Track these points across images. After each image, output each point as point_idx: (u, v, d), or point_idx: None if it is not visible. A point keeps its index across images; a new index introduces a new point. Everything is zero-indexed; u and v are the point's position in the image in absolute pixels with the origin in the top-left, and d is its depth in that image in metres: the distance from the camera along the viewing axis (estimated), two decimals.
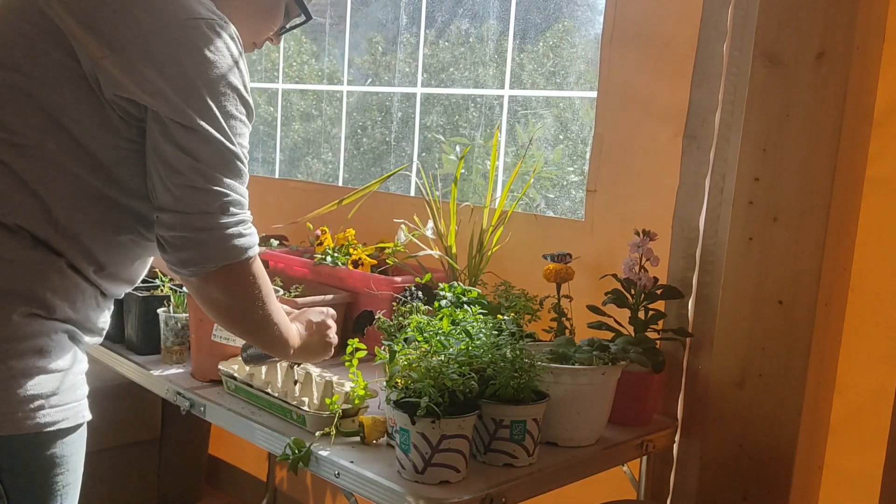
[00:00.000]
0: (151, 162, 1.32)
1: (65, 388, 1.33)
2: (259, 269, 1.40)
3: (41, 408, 1.29)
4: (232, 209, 1.32)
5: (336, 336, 1.69)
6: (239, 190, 1.34)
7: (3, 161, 1.29)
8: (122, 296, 1.51)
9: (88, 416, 1.39)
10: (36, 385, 1.29)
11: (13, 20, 1.32)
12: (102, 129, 1.31)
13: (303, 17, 1.56)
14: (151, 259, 1.52)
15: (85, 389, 1.39)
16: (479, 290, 2.04)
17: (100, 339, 1.47)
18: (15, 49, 1.30)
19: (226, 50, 1.32)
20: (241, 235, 1.34)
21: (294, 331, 1.56)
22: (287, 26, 1.58)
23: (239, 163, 1.34)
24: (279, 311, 1.48)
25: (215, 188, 1.30)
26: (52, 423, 1.31)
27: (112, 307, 1.48)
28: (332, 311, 1.71)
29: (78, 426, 1.37)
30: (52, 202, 1.31)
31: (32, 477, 1.31)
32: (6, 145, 1.29)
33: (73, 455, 1.37)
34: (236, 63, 1.34)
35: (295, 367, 1.80)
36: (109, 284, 1.42)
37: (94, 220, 1.35)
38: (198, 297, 1.41)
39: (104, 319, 1.46)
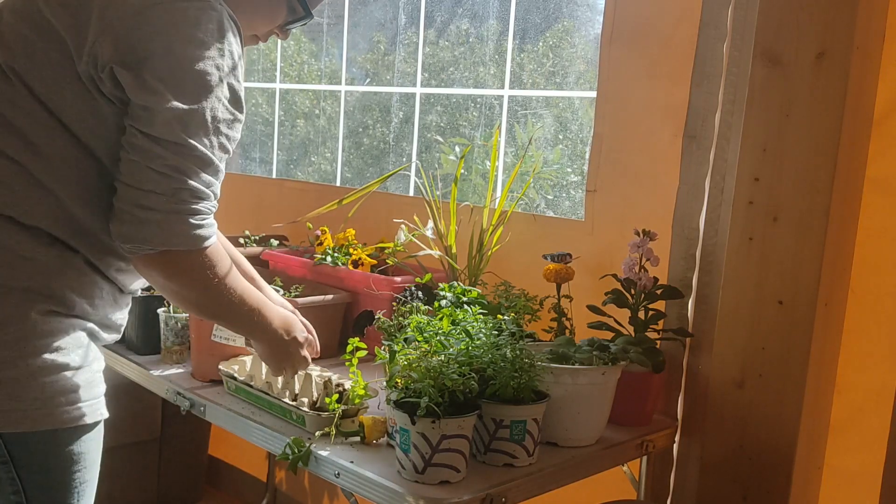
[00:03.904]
0: (123, 139, 1.29)
1: (83, 386, 1.34)
2: (214, 257, 1.34)
3: (60, 405, 1.30)
4: (186, 196, 1.27)
5: (306, 355, 1.64)
6: (202, 179, 1.29)
7: (18, 161, 1.29)
8: (138, 292, 1.50)
9: (106, 414, 1.39)
10: (55, 382, 1.30)
11: (12, 20, 1.33)
12: (104, 127, 1.31)
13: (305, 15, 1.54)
14: None
15: (103, 387, 1.40)
16: (479, 290, 2.04)
17: (118, 336, 1.47)
18: (15, 49, 1.31)
19: (216, 33, 1.29)
20: (190, 225, 1.28)
21: (273, 312, 1.53)
22: (292, 21, 1.55)
23: (208, 151, 1.29)
24: (246, 293, 1.43)
25: (173, 174, 1.26)
26: (71, 419, 1.32)
27: (130, 304, 1.48)
28: (312, 337, 1.68)
29: (95, 423, 1.37)
30: (68, 200, 1.31)
31: (50, 473, 1.32)
32: (20, 145, 1.29)
33: (91, 452, 1.37)
34: (228, 47, 1.31)
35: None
36: (126, 279, 1.43)
37: (109, 216, 1.34)
38: (146, 280, 1.38)
39: (122, 316, 1.46)
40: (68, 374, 1.32)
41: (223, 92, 1.30)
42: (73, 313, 1.34)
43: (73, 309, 1.33)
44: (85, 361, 1.36)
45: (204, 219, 1.31)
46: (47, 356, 1.29)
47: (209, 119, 1.28)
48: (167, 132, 1.25)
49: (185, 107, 1.25)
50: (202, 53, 1.27)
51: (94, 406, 1.36)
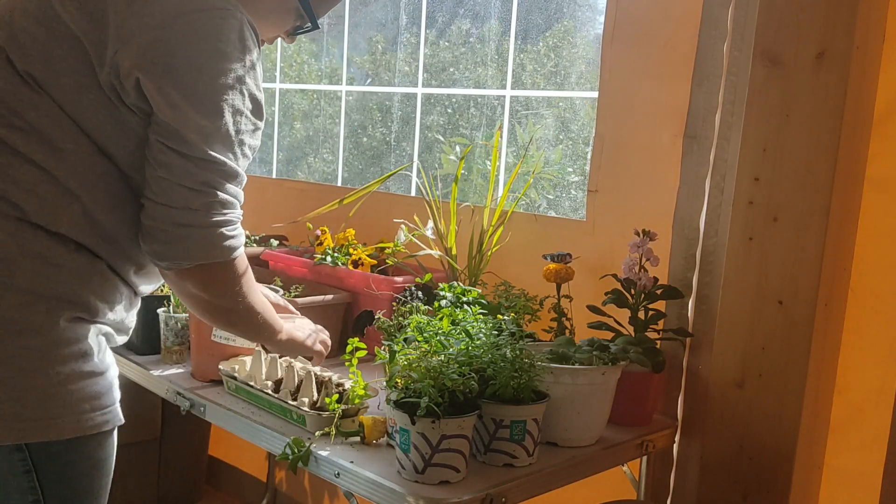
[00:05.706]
0: (147, 151, 1.30)
1: (104, 392, 1.34)
2: (242, 266, 1.37)
3: (85, 412, 1.30)
4: (218, 209, 1.30)
5: (324, 347, 1.71)
6: (229, 190, 1.32)
7: (45, 168, 1.28)
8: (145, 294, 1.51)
9: (122, 420, 1.39)
10: (81, 389, 1.30)
11: (25, 24, 1.30)
12: (123, 136, 1.30)
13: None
14: None
15: (118, 393, 1.39)
16: (479, 290, 2.04)
17: (126, 339, 1.47)
18: (32, 55, 1.29)
19: (238, 42, 1.28)
20: (224, 237, 1.31)
21: (279, 320, 1.56)
22: (299, 29, 1.54)
23: (233, 163, 1.31)
24: (261, 301, 1.47)
25: (204, 189, 1.28)
26: (96, 426, 1.31)
27: (139, 306, 1.49)
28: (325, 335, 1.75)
29: (113, 429, 1.37)
30: (93, 206, 1.30)
31: (70, 481, 1.32)
32: (46, 150, 1.28)
33: (108, 458, 1.38)
34: (249, 55, 1.30)
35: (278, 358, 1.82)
36: (143, 283, 1.43)
37: (134, 220, 1.34)
38: (175, 291, 1.40)
39: (133, 319, 1.47)
40: (92, 380, 1.32)
41: (245, 103, 1.30)
42: (96, 319, 1.34)
43: (96, 314, 1.34)
44: (106, 366, 1.36)
45: (235, 228, 1.34)
46: (74, 363, 1.29)
47: (233, 133, 1.29)
48: (194, 148, 1.26)
49: (209, 122, 1.26)
50: (225, 66, 1.27)
51: (115, 411, 1.36)
